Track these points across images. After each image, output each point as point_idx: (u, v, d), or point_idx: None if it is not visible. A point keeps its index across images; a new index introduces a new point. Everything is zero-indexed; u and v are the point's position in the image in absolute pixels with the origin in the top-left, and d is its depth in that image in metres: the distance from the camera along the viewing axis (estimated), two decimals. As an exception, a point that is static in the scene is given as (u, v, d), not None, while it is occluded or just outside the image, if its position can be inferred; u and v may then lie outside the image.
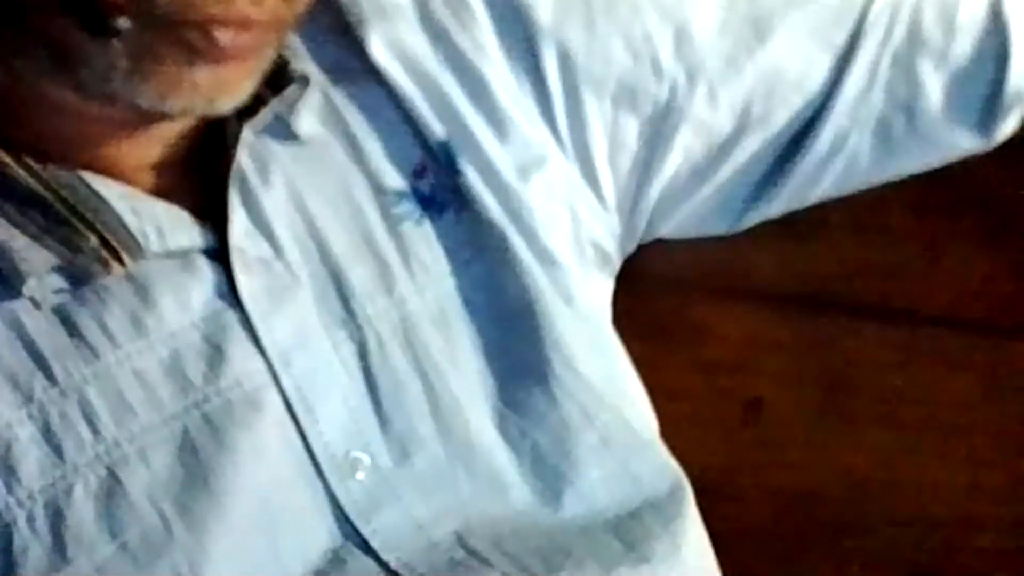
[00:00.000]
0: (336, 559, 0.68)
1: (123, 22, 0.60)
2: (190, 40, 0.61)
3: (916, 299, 1.01)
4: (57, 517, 0.64)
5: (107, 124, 0.66)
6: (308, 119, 0.72)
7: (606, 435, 0.74)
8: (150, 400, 0.66)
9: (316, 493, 0.68)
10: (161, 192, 0.68)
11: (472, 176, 0.74)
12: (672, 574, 0.72)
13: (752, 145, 0.78)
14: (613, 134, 0.76)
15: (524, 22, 0.75)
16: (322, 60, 0.73)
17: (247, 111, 0.68)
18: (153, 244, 0.67)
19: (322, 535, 0.68)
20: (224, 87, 0.64)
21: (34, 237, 0.65)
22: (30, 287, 0.65)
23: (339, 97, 0.73)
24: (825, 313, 1.01)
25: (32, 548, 0.64)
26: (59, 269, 0.65)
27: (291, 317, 0.69)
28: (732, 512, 0.99)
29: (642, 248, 0.82)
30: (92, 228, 0.65)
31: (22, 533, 0.64)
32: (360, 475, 0.69)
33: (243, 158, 0.70)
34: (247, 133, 0.70)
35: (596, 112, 0.76)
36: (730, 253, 0.96)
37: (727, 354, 1.01)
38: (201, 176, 0.70)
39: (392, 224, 0.73)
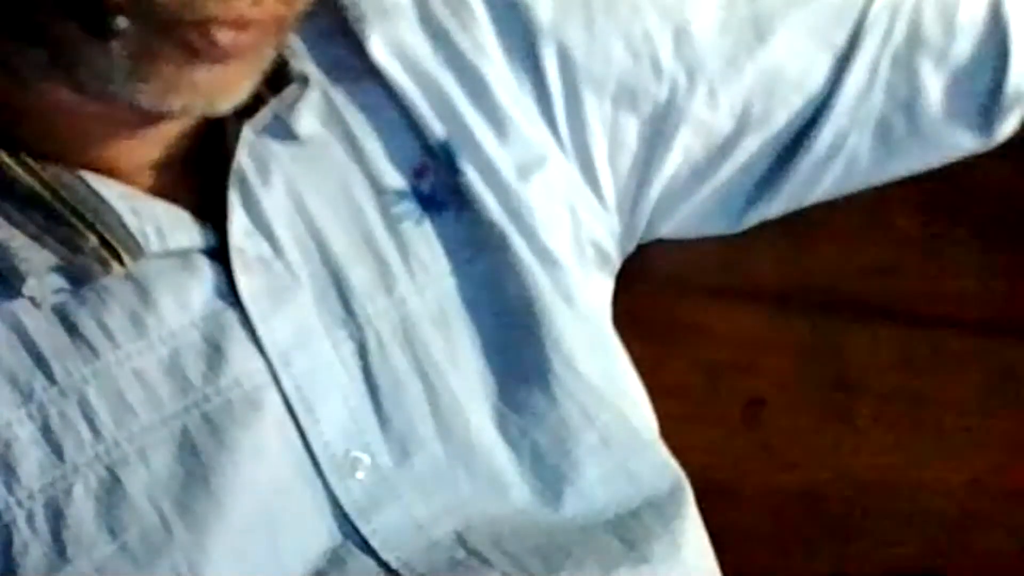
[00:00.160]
0: (336, 558, 0.68)
1: (123, 22, 0.60)
2: (190, 40, 0.61)
3: (916, 299, 1.01)
4: (57, 517, 0.64)
5: (107, 124, 0.66)
6: (308, 119, 0.72)
7: (606, 435, 0.74)
8: (150, 400, 0.66)
9: (316, 493, 0.68)
10: (161, 192, 0.68)
11: (472, 176, 0.74)
12: (672, 574, 0.72)
13: (752, 145, 0.78)
14: (613, 134, 0.76)
15: (524, 22, 0.75)
16: (322, 60, 0.73)
17: (247, 111, 0.68)
18: (153, 244, 0.67)
19: (322, 534, 0.68)
20: (224, 87, 0.64)
21: (34, 237, 0.65)
22: (30, 287, 0.64)
23: (339, 97, 0.73)
24: (825, 313, 1.01)
25: (32, 548, 0.64)
26: (59, 269, 0.65)
27: (291, 317, 0.69)
28: (732, 512, 0.99)
29: (642, 248, 0.82)
30: (92, 228, 0.65)
31: (22, 533, 0.64)
32: (360, 474, 0.69)
33: (243, 158, 0.70)
34: (247, 133, 0.70)
35: (596, 112, 0.76)
36: (730, 253, 0.96)
37: (727, 354, 1.01)
38: (201, 176, 0.70)
39: (392, 224, 0.73)
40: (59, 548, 0.64)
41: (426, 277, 0.73)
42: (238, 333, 0.68)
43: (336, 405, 0.69)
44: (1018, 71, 0.77)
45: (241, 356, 0.68)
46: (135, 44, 0.61)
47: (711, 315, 1.01)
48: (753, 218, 0.81)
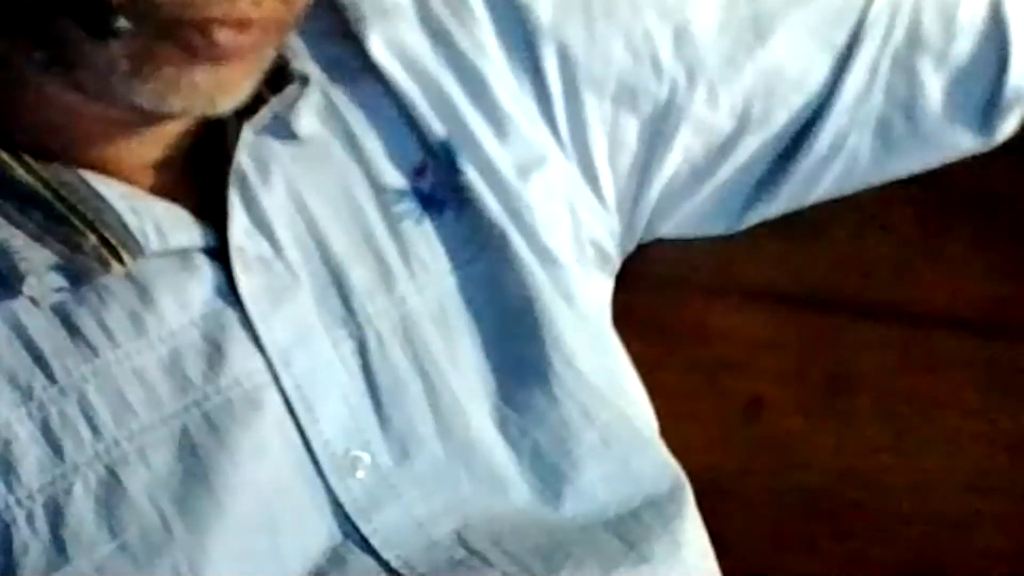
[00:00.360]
0: (336, 557, 0.68)
1: (123, 23, 0.61)
2: (190, 40, 0.61)
3: (916, 299, 1.01)
4: (57, 516, 0.64)
5: (107, 124, 0.66)
6: (308, 118, 0.72)
7: (606, 434, 0.74)
8: (150, 399, 0.66)
9: (316, 492, 0.68)
10: (161, 191, 0.68)
11: (472, 175, 0.74)
12: (672, 574, 0.72)
13: (752, 145, 0.78)
14: (613, 134, 0.76)
15: (524, 22, 0.75)
16: (322, 59, 0.73)
17: (247, 110, 0.68)
18: (153, 243, 0.67)
19: (322, 534, 0.68)
20: (224, 87, 0.64)
21: (34, 236, 0.65)
22: (30, 286, 0.65)
23: (339, 96, 0.74)
24: (825, 313, 1.01)
25: (32, 547, 0.64)
26: (59, 268, 0.65)
27: (291, 316, 0.69)
28: (732, 512, 0.99)
29: (642, 248, 0.82)
30: (92, 227, 0.65)
31: (22, 532, 0.64)
32: (360, 474, 0.69)
33: (243, 157, 0.70)
34: (247, 132, 0.70)
35: (596, 112, 0.76)
36: (730, 253, 0.96)
37: (727, 354, 1.01)
38: (201, 175, 0.70)
39: (392, 223, 0.73)
40: (59, 547, 0.64)
41: (426, 276, 0.73)
42: (238, 332, 0.68)
43: (336, 404, 0.69)
44: (1018, 71, 0.77)
45: (241, 355, 0.68)
46: (135, 44, 0.61)
47: (711, 315, 1.00)
48: (753, 218, 0.81)
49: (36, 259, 0.65)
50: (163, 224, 0.67)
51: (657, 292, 0.99)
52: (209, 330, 0.68)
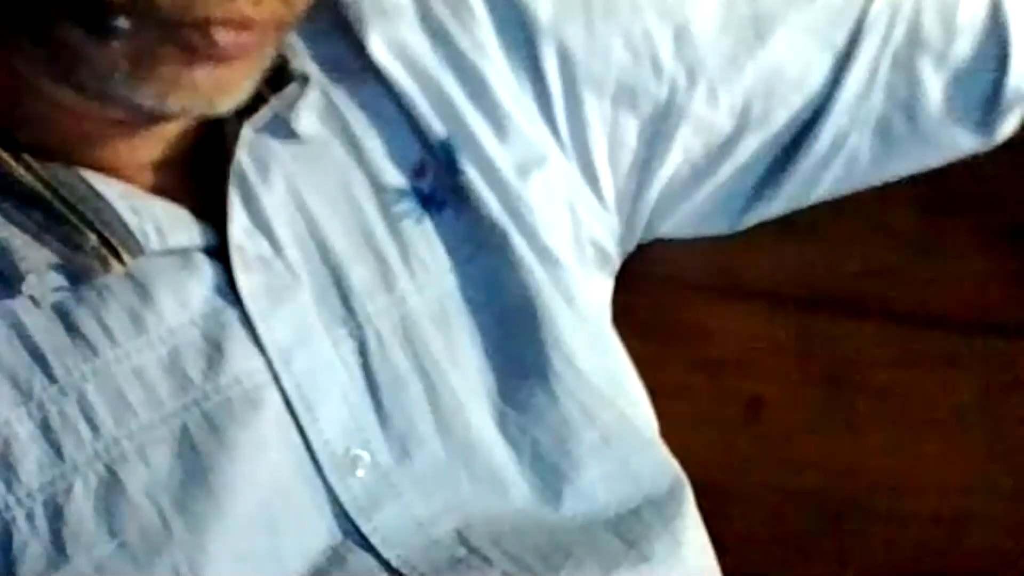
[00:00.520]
0: (336, 556, 0.68)
1: (123, 22, 0.61)
2: (190, 40, 0.61)
3: (916, 299, 1.01)
4: (56, 515, 0.64)
5: (107, 123, 0.66)
6: (308, 118, 0.72)
7: (606, 433, 0.74)
8: (149, 398, 0.66)
9: (316, 491, 0.68)
10: (161, 191, 0.68)
11: (472, 174, 0.74)
12: (672, 573, 0.72)
13: (752, 145, 0.78)
14: (613, 133, 0.76)
15: (524, 21, 0.75)
16: (322, 59, 0.73)
17: (247, 110, 0.68)
18: (153, 242, 0.67)
19: (322, 533, 0.68)
20: (224, 87, 0.64)
21: (34, 235, 0.65)
22: (29, 285, 0.64)
23: (339, 96, 0.73)
24: (825, 313, 1.01)
25: (31, 546, 0.63)
26: (58, 267, 0.65)
27: (291, 315, 0.69)
28: (732, 512, 0.99)
29: (642, 248, 0.82)
30: (92, 226, 0.65)
31: (21, 531, 0.64)
32: (360, 472, 0.69)
33: (243, 157, 0.70)
34: (247, 132, 0.70)
35: (596, 111, 0.76)
36: (730, 253, 0.96)
37: (727, 354, 1.01)
38: (201, 175, 0.70)
39: (392, 222, 0.73)
40: (58, 546, 0.64)
41: (426, 276, 0.73)
42: (238, 332, 0.68)
43: (336, 403, 0.69)
44: (1018, 71, 0.77)
45: (241, 355, 0.68)
46: (135, 44, 0.61)
47: (711, 315, 1.01)
48: (753, 218, 0.81)
49: (36, 258, 0.65)
50: (163, 223, 0.67)
51: (657, 292, 0.99)
52: (209, 329, 0.68)
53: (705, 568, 0.76)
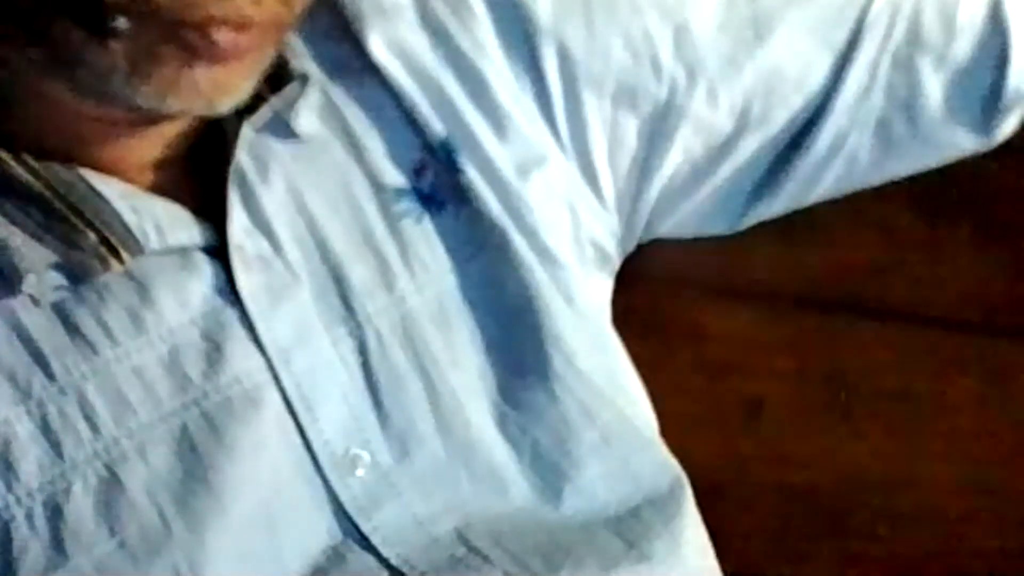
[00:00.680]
0: (336, 555, 0.68)
1: (122, 22, 0.61)
2: (189, 40, 0.61)
3: (916, 299, 1.01)
4: (56, 515, 0.64)
5: (106, 123, 0.66)
6: (308, 117, 0.72)
7: (606, 433, 0.74)
8: (149, 397, 0.66)
9: (316, 490, 0.68)
10: (161, 190, 0.69)
11: (472, 174, 0.74)
12: (672, 572, 0.72)
13: (752, 144, 0.78)
14: (612, 133, 0.76)
15: (524, 21, 0.75)
16: (322, 58, 0.73)
17: (247, 109, 0.68)
18: (152, 241, 0.67)
19: (322, 532, 0.68)
20: (223, 87, 0.64)
21: (33, 234, 0.65)
22: (29, 284, 0.65)
23: (339, 95, 0.74)
24: (825, 313, 1.01)
25: (31, 546, 0.64)
26: (58, 266, 0.65)
27: (290, 315, 0.69)
28: (732, 512, 0.99)
29: (642, 248, 0.82)
30: (91, 225, 0.65)
31: (21, 531, 0.64)
32: (360, 472, 0.69)
33: (243, 156, 0.70)
34: (247, 131, 0.70)
35: (595, 111, 0.76)
36: (730, 253, 0.96)
37: (727, 354, 1.01)
38: (201, 174, 0.70)
39: (392, 222, 0.73)
40: (58, 546, 0.64)
41: (426, 275, 0.73)
42: (237, 331, 0.68)
43: (336, 403, 0.69)
44: (1018, 71, 0.77)
45: (241, 354, 0.68)
46: (135, 44, 0.61)
47: (711, 315, 1.00)
48: (753, 218, 0.81)
49: (36, 257, 0.65)
50: (163, 222, 0.67)
51: (657, 292, 0.99)
52: (209, 328, 0.68)
53: (705, 568, 0.76)
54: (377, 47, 0.73)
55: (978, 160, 0.81)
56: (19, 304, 0.65)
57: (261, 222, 0.70)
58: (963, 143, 0.79)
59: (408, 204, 0.74)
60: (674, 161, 0.78)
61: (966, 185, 0.96)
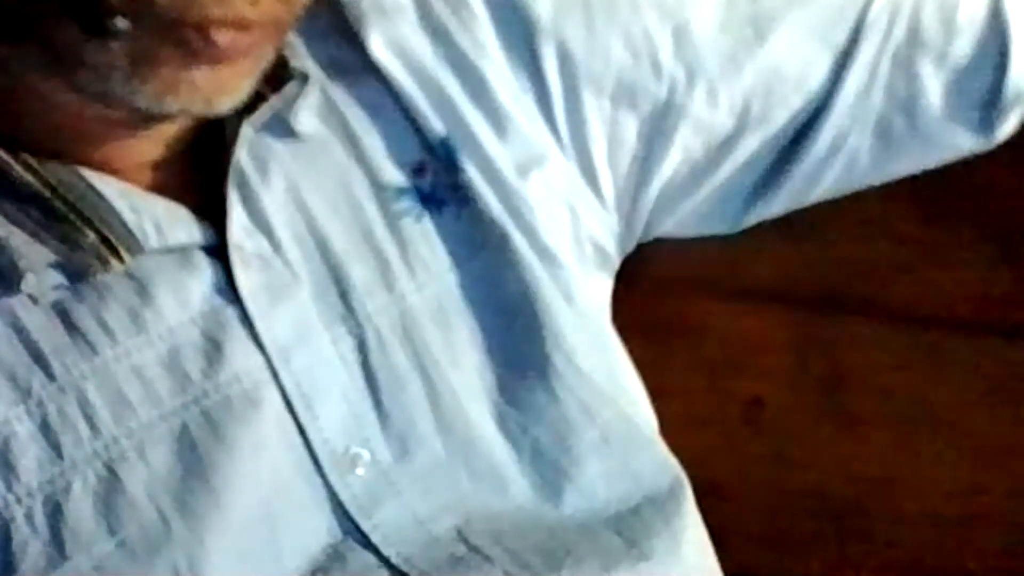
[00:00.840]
0: (336, 554, 0.68)
1: (121, 23, 0.60)
2: (188, 41, 0.61)
3: (916, 299, 1.01)
4: (56, 514, 0.64)
5: (105, 123, 0.66)
6: (307, 116, 0.72)
7: (607, 432, 0.74)
8: (149, 396, 0.66)
9: (316, 489, 0.68)
10: (160, 189, 0.68)
11: (472, 173, 0.74)
12: (672, 572, 0.72)
13: (752, 144, 0.78)
14: (612, 133, 0.76)
15: (524, 20, 0.75)
16: (322, 58, 0.74)
17: (247, 108, 0.68)
18: (152, 240, 0.67)
19: (322, 531, 0.68)
20: (223, 88, 0.64)
21: (32, 233, 0.65)
22: (28, 283, 0.64)
23: (339, 94, 0.74)
24: (825, 313, 1.01)
25: (31, 545, 0.64)
26: (58, 265, 0.65)
27: (290, 314, 0.69)
28: (732, 512, 0.99)
29: (642, 248, 0.82)
30: (91, 224, 0.65)
31: (21, 530, 0.64)
32: (360, 470, 0.69)
33: (242, 155, 0.70)
34: (246, 130, 0.70)
35: (595, 111, 0.76)
36: (730, 253, 0.96)
37: (727, 354, 1.01)
38: (200, 173, 0.70)
39: (392, 221, 0.73)
40: (58, 545, 0.64)
41: (426, 274, 0.73)
42: (237, 330, 0.68)
43: (335, 402, 0.69)
44: (1018, 71, 0.77)
45: (240, 353, 0.68)
46: (134, 45, 0.61)
47: (711, 315, 1.01)
48: (753, 218, 0.81)
49: (35, 257, 0.65)
50: (162, 222, 0.67)
51: (657, 292, 0.99)
52: (208, 327, 0.68)
53: (704, 567, 0.76)
54: (377, 47, 0.73)
55: (978, 160, 0.81)
56: (19, 303, 0.65)
57: (261, 221, 0.70)
58: (963, 143, 0.79)
59: (408, 203, 0.74)
60: (674, 161, 0.78)
61: (966, 185, 0.96)
